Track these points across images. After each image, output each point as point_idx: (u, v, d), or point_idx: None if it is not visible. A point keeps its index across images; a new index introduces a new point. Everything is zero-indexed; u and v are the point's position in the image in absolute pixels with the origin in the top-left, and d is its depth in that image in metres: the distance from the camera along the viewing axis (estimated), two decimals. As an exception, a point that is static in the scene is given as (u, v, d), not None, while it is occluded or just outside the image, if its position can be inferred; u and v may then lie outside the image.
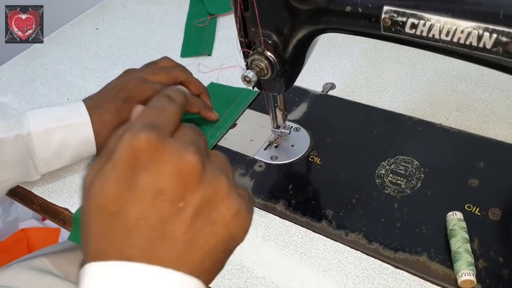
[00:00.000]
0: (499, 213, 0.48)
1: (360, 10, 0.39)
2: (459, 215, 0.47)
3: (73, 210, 0.55)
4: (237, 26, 0.46)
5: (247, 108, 0.65)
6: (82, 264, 0.29)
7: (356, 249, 0.47)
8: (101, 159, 0.30)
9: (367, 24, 0.40)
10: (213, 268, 0.31)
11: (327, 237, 0.48)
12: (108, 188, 0.29)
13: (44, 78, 0.75)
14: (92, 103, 0.56)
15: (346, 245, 0.47)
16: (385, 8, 0.38)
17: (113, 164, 0.29)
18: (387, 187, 0.52)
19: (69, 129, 0.54)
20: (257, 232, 0.50)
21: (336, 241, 0.48)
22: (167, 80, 0.59)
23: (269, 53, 0.45)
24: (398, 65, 0.68)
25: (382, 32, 0.39)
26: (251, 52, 0.47)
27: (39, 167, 0.55)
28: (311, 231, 0.49)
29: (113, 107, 0.56)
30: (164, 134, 0.30)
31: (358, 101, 0.63)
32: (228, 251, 0.31)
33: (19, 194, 0.59)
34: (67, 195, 0.56)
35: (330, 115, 0.62)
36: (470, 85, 0.63)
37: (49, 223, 1.35)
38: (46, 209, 0.57)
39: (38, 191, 0.58)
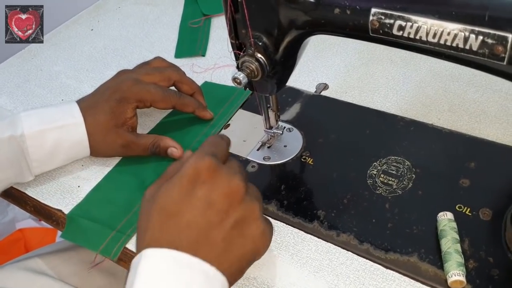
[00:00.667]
0: (490, 214, 0.48)
1: (348, 12, 0.40)
2: (449, 215, 0.47)
3: (66, 211, 0.55)
4: (228, 28, 0.46)
5: (240, 108, 0.65)
6: (138, 249, 0.38)
7: (347, 250, 0.47)
8: (161, 178, 0.40)
9: (355, 26, 0.40)
10: (237, 272, 0.40)
11: (318, 237, 0.49)
12: (172, 195, 0.38)
13: (38, 79, 0.76)
14: (86, 104, 0.56)
15: (338, 246, 0.48)
16: (373, 10, 0.38)
17: (180, 177, 0.38)
18: (378, 188, 0.52)
19: (63, 130, 0.54)
20: (249, 233, 0.50)
21: (328, 241, 0.48)
22: (160, 80, 0.60)
23: (259, 55, 0.46)
24: (391, 66, 0.68)
25: (370, 34, 0.40)
26: (241, 53, 0.47)
27: (32, 168, 0.55)
28: (303, 232, 0.49)
29: (107, 108, 0.56)
30: (220, 162, 0.40)
31: (351, 102, 0.63)
32: (250, 262, 0.41)
33: (13, 195, 0.59)
34: (60, 196, 0.57)
35: (323, 115, 0.63)
36: (462, 85, 0.63)
37: (46, 223, 1.35)
38: (39, 210, 0.57)
39: (31, 192, 0.58)
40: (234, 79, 0.46)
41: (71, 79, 0.75)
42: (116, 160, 0.60)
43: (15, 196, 0.59)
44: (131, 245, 0.51)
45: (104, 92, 0.57)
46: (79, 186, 0.57)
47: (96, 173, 0.59)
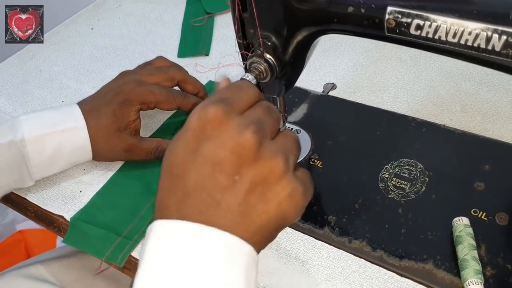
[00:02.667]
0: (507, 218, 0.46)
1: (362, 11, 0.38)
2: (465, 220, 0.45)
3: (68, 217, 0.53)
4: (235, 28, 0.44)
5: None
6: (152, 220, 0.33)
7: (360, 257, 0.46)
8: (182, 128, 0.34)
9: (370, 25, 0.38)
10: (264, 240, 0.33)
11: (330, 244, 0.47)
12: (176, 153, 0.33)
13: (38, 80, 0.74)
14: (88, 107, 0.55)
15: (350, 253, 0.46)
16: (389, 8, 0.36)
17: (184, 131, 0.33)
18: (391, 192, 0.50)
19: (64, 134, 0.52)
20: (258, 240, 0.48)
21: (340, 248, 0.47)
22: (163, 80, 0.58)
23: (268, 56, 0.44)
24: (400, 64, 0.66)
25: (386, 34, 0.38)
26: (249, 54, 0.45)
27: (33, 173, 0.53)
28: (313, 238, 0.48)
29: (109, 111, 0.54)
30: (232, 110, 0.33)
31: (360, 102, 0.61)
32: (279, 228, 0.34)
33: (13, 200, 0.57)
34: (62, 202, 0.55)
35: (331, 116, 0.61)
36: (474, 85, 0.61)
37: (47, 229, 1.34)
38: (40, 216, 0.56)
39: (32, 197, 0.56)
40: (243, 81, 0.44)
41: (72, 79, 0.73)
42: (119, 164, 0.58)
43: (15, 201, 0.57)
44: (137, 252, 0.49)
45: (106, 94, 0.56)
46: (81, 191, 0.56)
47: (98, 177, 0.57)
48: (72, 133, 0.53)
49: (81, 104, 0.55)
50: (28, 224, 1.36)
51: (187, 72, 0.61)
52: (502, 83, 0.60)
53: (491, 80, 0.61)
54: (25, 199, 0.56)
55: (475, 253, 0.43)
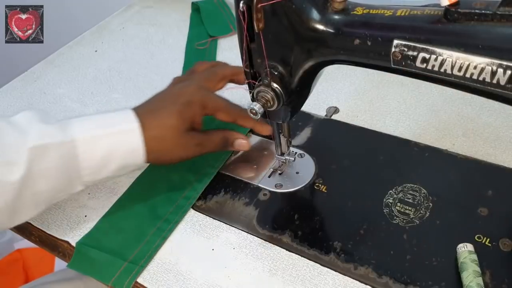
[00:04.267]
0: (510, 244, 0.47)
1: (369, 43, 0.39)
2: (469, 247, 0.46)
3: (72, 242, 0.53)
4: (242, 58, 0.45)
5: (249, 132, 0.64)
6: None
7: (366, 284, 0.46)
8: None
9: (376, 57, 0.39)
10: None
11: (335, 271, 0.47)
12: None
13: (42, 103, 0.74)
14: (144, 110, 0.53)
15: (356, 280, 0.46)
16: (395, 42, 0.37)
17: None
18: (395, 217, 0.51)
19: (117, 136, 0.50)
20: (264, 266, 0.48)
21: (345, 275, 0.47)
22: (219, 81, 0.59)
23: (275, 85, 0.45)
24: (402, 88, 0.67)
25: (392, 66, 0.39)
26: (256, 83, 0.46)
27: (83, 176, 0.50)
28: (319, 265, 0.48)
29: (174, 111, 0.52)
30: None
31: (362, 126, 0.62)
32: None
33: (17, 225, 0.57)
34: (67, 227, 0.55)
35: (335, 140, 0.61)
36: (475, 109, 0.62)
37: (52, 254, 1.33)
38: (44, 241, 0.56)
39: (36, 222, 0.56)
40: (250, 110, 0.45)
41: (76, 102, 0.73)
42: (124, 187, 0.58)
43: (19, 226, 0.57)
44: (143, 278, 0.49)
45: (165, 96, 0.55)
46: (86, 216, 0.56)
47: (103, 201, 0.57)
48: (126, 135, 0.50)
49: (135, 108, 0.53)
50: (26, 243, 1.35)
51: (230, 66, 0.61)
52: (503, 107, 0.61)
53: (492, 105, 0.62)
54: (29, 223, 0.56)
55: (480, 280, 0.43)
